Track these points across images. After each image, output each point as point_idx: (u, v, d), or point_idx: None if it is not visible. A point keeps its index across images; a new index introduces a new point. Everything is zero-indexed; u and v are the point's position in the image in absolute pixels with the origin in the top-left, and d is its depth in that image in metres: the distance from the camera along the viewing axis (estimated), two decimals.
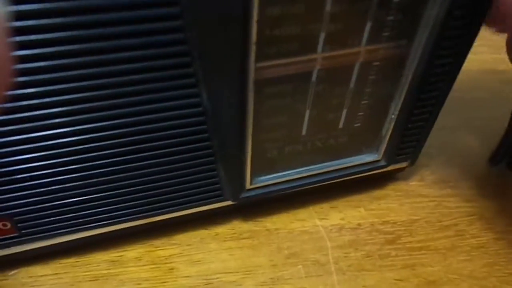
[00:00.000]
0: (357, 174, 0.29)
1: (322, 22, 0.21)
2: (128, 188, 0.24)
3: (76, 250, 0.27)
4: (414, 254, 0.28)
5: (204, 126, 0.23)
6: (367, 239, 0.29)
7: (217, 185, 0.26)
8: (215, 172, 0.26)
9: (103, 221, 0.25)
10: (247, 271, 0.27)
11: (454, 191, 0.33)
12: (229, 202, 0.28)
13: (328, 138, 0.27)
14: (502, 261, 0.28)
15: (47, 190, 0.23)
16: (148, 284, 0.26)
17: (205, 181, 0.26)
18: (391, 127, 0.27)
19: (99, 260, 0.27)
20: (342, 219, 0.31)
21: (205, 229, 0.29)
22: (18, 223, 0.23)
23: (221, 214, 0.30)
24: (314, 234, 0.29)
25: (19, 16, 0.16)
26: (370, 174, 0.30)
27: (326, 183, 0.29)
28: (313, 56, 0.22)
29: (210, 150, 0.24)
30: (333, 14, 0.20)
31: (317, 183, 0.29)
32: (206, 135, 0.23)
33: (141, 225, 0.27)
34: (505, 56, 0.25)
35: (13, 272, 0.26)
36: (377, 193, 0.33)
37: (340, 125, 0.27)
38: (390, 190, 0.33)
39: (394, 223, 0.30)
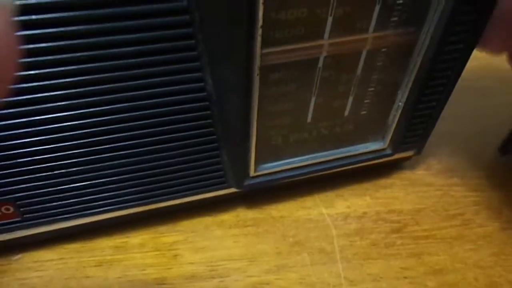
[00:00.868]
0: (362, 163, 0.29)
1: (329, 6, 0.20)
2: (131, 173, 0.24)
3: (80, 236, 0.27)
4: (420, 243, 0.28)
5: (208, 112, 0.23)
6: (372, 227, 0.29)
7: (220, 172, 0.26)
8: (219, 159, 0.25)
9: (106, 206, 0.25)
10: (252, 258, 0.27)
11: (461, 180, 0.33)
12: (233, 190, 0.28)
13: (333, 125, 0.27)
14: (509, 251, 0.28)
15: (50, 175, 0.22)
16: (153, 270, 0.26)
17: (209, 168, 0.26)
18: (398, 115, 0.27)
19: (104, 245, 0.27)
20: (348, 207, 0.30)
21: (210, 216, 0.29)
22: (20, 207, 0.23)
23: (226, 202, 0.29)
24: (319, 222, 0.29)
25: None
26: (375, 163, 0.30)
27: (331, 171, 0.29)
28: (320, 42, 0.22)
29: (214, 137, 0.24)
30: None
31: (322, 171, 0.28)
32: (210, 121, 0.23)
33: (145, 211, 0.27)
34: None
35: (17, 256, 0.26)
36: (383, 181, 0.32)
37: (346, 113, 0.26)
38: (396, 178, 0.33)
39: (400, 211, 0.30)
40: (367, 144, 0.29)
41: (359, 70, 0.24)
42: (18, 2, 0.16)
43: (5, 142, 0.20)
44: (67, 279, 0.25)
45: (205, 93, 0.22)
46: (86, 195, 0.24)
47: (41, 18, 0.17)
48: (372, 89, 0.25)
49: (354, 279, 0.26)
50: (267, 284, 0.26)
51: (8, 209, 0.23)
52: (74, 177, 0.23)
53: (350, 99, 0.25)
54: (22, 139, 0.20)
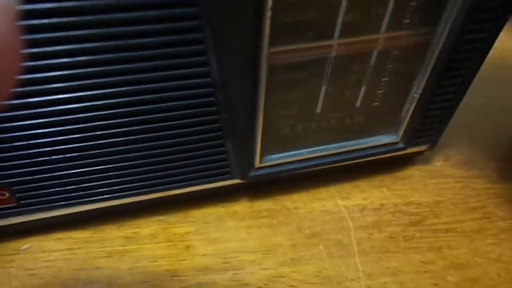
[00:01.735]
0: (372, 156, 0.28)
1: None
2: (130, 161, 0.23)
3: (89, 226, 0.26)
4: (440, 236, 0.27)
5: (212, 98, 0.21)
6: (390, 220, 0.28)
7: (224, 162, 0.25)
8: (222, 148, 0.24)
9: (107, 194, 0.24)
10: (266, 250, 0.26)
11: (481, 171, 0.32)
12: (238, 180, 0.27)
13: (344, 117, 0.26)
14: None
15: (47, 160, 0.21)
16: (164, 261, 0.25)
17: (212, 157, 0.25)
18: (413, 107, 0.26)
19: (114, 236, 0.26)
20: (365, 199, 0.29)
21: (222, 207, 0.28)
22: (16, 193, 0.22)
23: (237, 192, 0.29)
24: (335, 214, 0.28)
25: None
26: (387, 157, 0.29)
27: (343, 163, 0.28)
28: (332, 30, 0.21)
29: (218, 125, 0.23)
30: None
31: (331, 164, 0.27)
32: (214, 108, 0.22)
33: (153, 199, 0.26)
34: None
35: (25, 246, 0.26)
36: (401, 173, 0.31)
37: (358, 104, 0.25)
38: (414, 170, 0.32)
39: (419, 204, 0.29)
40: (378, 137, 0.28)
41: (373, 59, 0.23)
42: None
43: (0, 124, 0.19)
44: (76, 270, 0.24)
45: (209, 79, 0.20)
46: (85, 182, 0.23)
47: (42, 7, 0.16)
48: (386, 79, 0.24)
49: (373, 273, 0.25)
50: (283, 277, 0.25)
51: (3, 194, 0.22)
52: (73, 163, 0.22)
53: (363, 89, 0.24)
54: (18, 121, 0.19)
